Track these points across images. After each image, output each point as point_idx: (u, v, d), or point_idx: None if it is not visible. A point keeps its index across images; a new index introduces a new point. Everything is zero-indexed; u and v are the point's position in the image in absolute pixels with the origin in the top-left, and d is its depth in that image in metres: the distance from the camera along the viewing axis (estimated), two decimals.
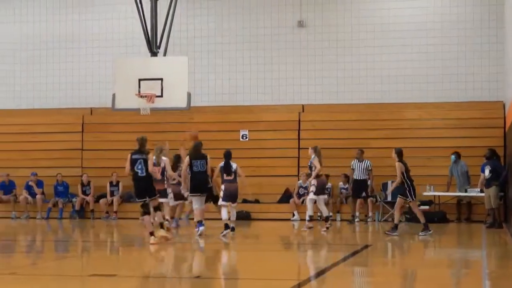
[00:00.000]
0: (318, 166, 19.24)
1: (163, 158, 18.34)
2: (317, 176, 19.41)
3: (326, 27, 25.28)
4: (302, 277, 11.86)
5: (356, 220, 22.74)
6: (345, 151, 24.01)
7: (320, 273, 11.67)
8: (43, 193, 25.13)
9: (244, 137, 25.09)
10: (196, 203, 17.52)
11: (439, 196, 23.02)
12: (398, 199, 18.78)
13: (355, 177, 22.91)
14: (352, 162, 22.92)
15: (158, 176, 17.83)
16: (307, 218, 19.71)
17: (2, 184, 25.36)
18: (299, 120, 25.06)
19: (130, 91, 20.31)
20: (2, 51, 26.90)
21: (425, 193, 22.71)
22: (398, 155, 18.73)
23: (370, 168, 22.66)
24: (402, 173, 18.42)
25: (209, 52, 25.71)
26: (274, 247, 17.09)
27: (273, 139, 24.40)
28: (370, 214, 23.21)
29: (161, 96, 20.33)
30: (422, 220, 18.54)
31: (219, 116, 25.34)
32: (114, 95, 20.87)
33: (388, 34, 24.87)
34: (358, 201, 22.90)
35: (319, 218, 22.66)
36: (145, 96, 20.27)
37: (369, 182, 22.93)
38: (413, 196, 18.50)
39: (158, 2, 21.48)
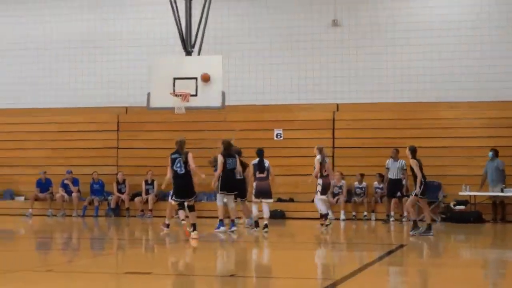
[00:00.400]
0: (316, 167, 19.25)
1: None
2: (322, 176, 19.32)
3: (360, 26, 25.20)
4: (336, 276, 11.79)
5: (391, 219, 22.60)
6: (380, 150, 23.91)
7: (354, 273, 11.60)
8: (79, 191, 25.32)
9: (279, 136, 25.06)
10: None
11: (474, 196, 22.81)
12: (411, 197, 18.57)
13: (390, 176, 22.76)
14: (387, 162, 22.77)
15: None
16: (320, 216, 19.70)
17: (39, 182, 25.56)
18: (334, 119, 24.98)
19: (165, 90, 20.35)
20: (41, 50, 27.11)
21: (460, 193, 22.54)
22: (412, 153, 18.67)
23: (405, 168, 22.51)
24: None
25: (243, 51, 25.72)
26: (309, 246, 17.02)
27: (307, 138, 24.30)
28: (405, 213, 23.04)
29: (196, 95, 20.34)
30: (428, 220, 18.32)
31: (254, 115, 25.34)
32: (149, 94, 20.93)
33: (423, 33, 24.71)
34: (393, 200, 22.76)
35: (353, 217, 22.69)
36: (180, 95, 20.28)
37: (404, 182, 22.77)
38: (424, 194, 18.22)
39: (192, 1, 21.50)
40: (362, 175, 24.08)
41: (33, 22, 27.19)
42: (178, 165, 16.34)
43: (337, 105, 25.24)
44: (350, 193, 24.15)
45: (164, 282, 10.95)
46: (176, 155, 16.54)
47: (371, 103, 24.89)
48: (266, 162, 18.59)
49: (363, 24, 25.17)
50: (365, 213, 23.73)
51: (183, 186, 16.36)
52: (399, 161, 22.61)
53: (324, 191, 19.41)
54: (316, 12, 25.45)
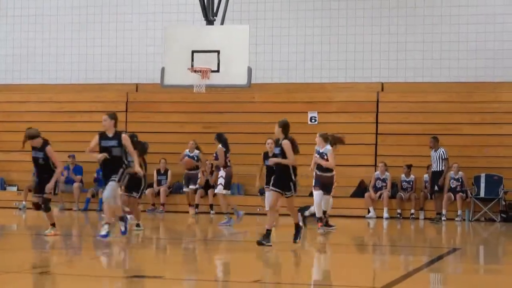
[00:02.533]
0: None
1: None
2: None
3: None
4: (377, 284, 11.86)
5: (442, 219, 22.59)
6: (429, 137, 23.94)
7: (399, 280, 11.65)
8: (81, 181, 25.44)
9: (313, 120, 25.09)
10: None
11: None
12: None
13: (432, 169, 22.87)
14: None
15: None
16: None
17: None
18: (378, 101, 24.98)
19: (182, 65, 20.50)
20: (39, 16, 27.25)
21: None
22: None
23: (445, 157, 22.55)
24: None
25: (273, 20, 25.73)
26: (348, 249, 17.07)
27: (346, 122, 24.33)
28: (459, 212, 23.04)
29: (218, 71, 20.48)
30: None
31: (284, 95, 25.38)
32: (163, 69, 21.09)
33: (485, 9, 24.53)
34: (446, 196, 22.75)
35: (399, 215, 22.76)
36: (199, 71, 20.41)
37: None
38: None
39: None
40: (409, 167, 24.03)
41: None
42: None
43: (382, 84, 25.23)
44: (396, 187, 24.14)
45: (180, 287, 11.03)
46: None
47: (422, 83, 24.87)
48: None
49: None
50: (412, 211, 23.72)
51: None
52: (439, 149, 22.64)
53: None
54: None
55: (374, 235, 19.63)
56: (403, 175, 24.10)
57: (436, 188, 22.75)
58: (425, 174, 23.91)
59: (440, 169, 22.69)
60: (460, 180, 23.44)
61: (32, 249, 15.60)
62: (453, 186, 23.41)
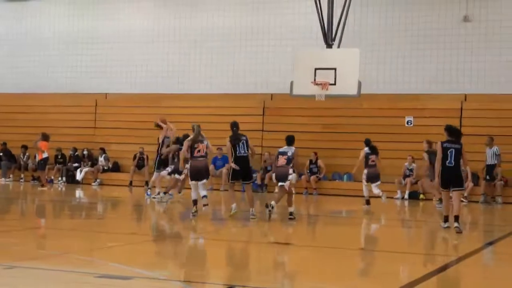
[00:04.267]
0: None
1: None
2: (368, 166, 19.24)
3: (490, 22, 24.56)
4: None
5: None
6: (504, 138, 23.46)
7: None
8: None
9: (409, 123, 24.83)
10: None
11: None
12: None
13: (486, 162, 22.66)
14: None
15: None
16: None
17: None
18: (461, 109, 24.51)
19: (306, 79, 20.55)
20: (199, 42, 27.74)
21: None
22: None
23: (498, 153, 22.15)
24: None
25: (379, 44, 25.55)
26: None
27: (436, 125, 23.89)
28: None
29: (334, 84, 20.44)
30: None
31: (387, 103, 25.18)
32: (292, 83, 21.18)
33: None
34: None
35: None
36: (320, 84, 20.44)
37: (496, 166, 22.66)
38: None
39: None
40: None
41: (191, 17, 27.95)
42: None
43: (465, 95, 24.74)
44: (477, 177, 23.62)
45: (304, 253, 11.07)
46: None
47: (499, 94, 24.27)
48: (291, 150, 15.75)
49: (493, 20, 24.54)
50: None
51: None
52: (493, 147, 22.29)
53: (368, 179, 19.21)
54: (448, 9, 25.00)
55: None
56: None
57: (488, 177, 22.51)
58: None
59: (493, 163, 22.51)
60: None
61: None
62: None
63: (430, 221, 16.71)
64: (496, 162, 22.33)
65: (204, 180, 15.53)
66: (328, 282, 8.65)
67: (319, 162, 24.99)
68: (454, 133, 14.21)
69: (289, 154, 15.57)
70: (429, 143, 20.08)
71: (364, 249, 11.66)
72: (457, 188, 13.89)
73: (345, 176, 25.03)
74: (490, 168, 22.51)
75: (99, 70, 28.99)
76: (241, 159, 15.24)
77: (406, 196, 23.49)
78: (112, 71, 28.79)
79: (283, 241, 12.48)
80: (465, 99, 24.69)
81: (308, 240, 12.88)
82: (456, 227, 13.67)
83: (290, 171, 15.41)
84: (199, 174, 15.37)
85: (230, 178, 15.46)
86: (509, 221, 18.57)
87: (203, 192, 15.41)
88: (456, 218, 13.71)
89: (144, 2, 28.64)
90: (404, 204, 22.32)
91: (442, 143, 14.12)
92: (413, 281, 8.63)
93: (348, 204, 21.29)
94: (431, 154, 18.40)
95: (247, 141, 15.40)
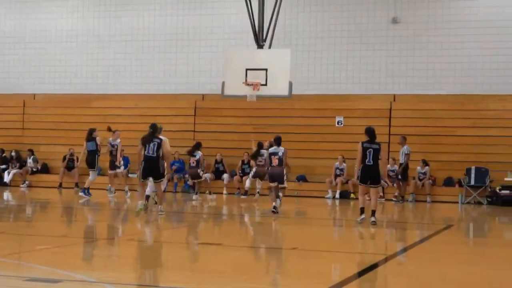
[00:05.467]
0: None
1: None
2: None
3: (417, 24, 25.02)
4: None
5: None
6: (432, 138, 23.92)
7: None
8: None
9: (339, 123, 25.09)
10: None
11: None
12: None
13: (400, 161, 23.03)
14: None
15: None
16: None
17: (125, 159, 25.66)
18: (391, 109, 24.89)
19: (238, 80, 20.54)
20: (128, 42, 27.53)
21: (506, 179, 22.39)
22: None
23: (407, 152, 22.58)
24: None
25: (310, 45, 25.77)
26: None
27: (366, 125, 23.98)
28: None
29: (266, 84, 20.48)
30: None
31: (317, 104, 25.40)
32: (223, 83, 21.15)
33: (476, 30, 24.41)
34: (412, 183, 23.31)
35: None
36: (251, 84, 20.47)
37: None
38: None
39: None
40: (424, 161, 23.69)
41: (121, 16, 27.70)
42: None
43: (394, 96, 25.13)
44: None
45: (236, 253, 11.06)
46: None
47: (425, 95, 24.74)
48: (281, 151, 17.11)
49: (420, 22, 25.00)
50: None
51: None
52: (404, 146, 22.76)
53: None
54: (378, 10, 25.36)
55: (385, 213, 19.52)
56: (418, 167, 23.73)
57: (399, 176, 22.77)
58: (418, 166, 23.64)
59: (403, 162, 22.76)
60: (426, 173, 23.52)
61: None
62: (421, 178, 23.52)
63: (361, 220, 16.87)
64: (405, 160, 22.63)
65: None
66: (259, 282, 8.66)
67: (252, 162, 25.02)
68: (371, 135, 15.22)
69: (280, 154, 16.96)
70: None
71: (297, 249, 11.71)
72: (374, 185, 15.09)
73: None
74: (401, 167, 22.84)
75: (27, 70, 28.49)
76: (149, 159, 15.93)
77: (337, 195, 23.72)
78: (41, 71, 28.32)
79: (215, 242, 12.46)
80: (394, 100, 25.07)
81: (240, 241, 12.88)
82: (372, 221, 14.72)
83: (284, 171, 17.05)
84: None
85: (140, 176, 16.21)
86: (435, 220, 18.92)
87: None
88: (373, 213, 14.82)
89: (73, 1, 28.24)
90: (335, 203, 22.54)
91: (362, 143, 15.12)
92: (344, 280, 8.71)
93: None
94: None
95: (159, 144, 15.99)
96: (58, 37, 28.22)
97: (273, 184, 17.12)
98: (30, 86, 28.42)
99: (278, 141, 17.12)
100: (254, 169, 22.51)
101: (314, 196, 23.68)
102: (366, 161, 14.94)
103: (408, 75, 25.03)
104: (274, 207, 16.83)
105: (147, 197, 16.64)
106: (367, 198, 15.50)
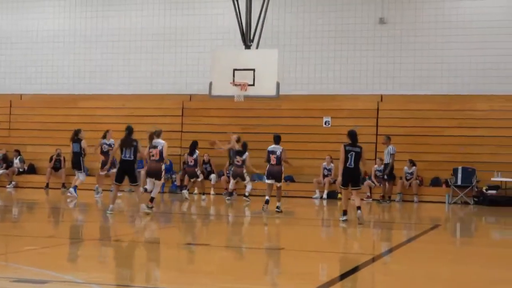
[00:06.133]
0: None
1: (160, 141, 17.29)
2: None
3: (404, 24, 25.09)
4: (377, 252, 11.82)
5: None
6: (419, 138, 24.03)
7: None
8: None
9: (327, 124, 25.13)
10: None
11: (505, 182, 22.68)
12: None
13: (384, 161, 22.96)
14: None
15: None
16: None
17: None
18: (378, 109, 24.96)
19: (225, 80, 20.56)
20: (117, 42, 27.46)
21: (493, 179, 22.48)
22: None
23: (392, 152, 22.50)
24: None
25: (297, 45, 25.80)
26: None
27: (353, 125, 24.04)
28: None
29: (253, 85, 20.51)
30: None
31: (305, 104, 25.42)
32: (211, 83, 21.16)
33: (463, 31, 24.51)
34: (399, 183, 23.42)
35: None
36: (239, 85, 20.49)
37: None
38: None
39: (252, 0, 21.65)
40: (411, 161, 23.74)
41: (108, 16, 27.64)
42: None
43: (381, 96, 25.20)
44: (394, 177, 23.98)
45: (223, 254, 11.08)
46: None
47: (413, 95, 24.82)
48: (279, 149, 17.61)
49: (407, 22, 25.07)
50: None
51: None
52: (389, 146, 22.64)
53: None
54: (365, 10, 25.42)
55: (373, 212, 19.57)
56: (405, 167, 23.81)
57: (385, 176, 22.76)
58: (405, 166, 23.71)
59: (388, 162, 22.67)
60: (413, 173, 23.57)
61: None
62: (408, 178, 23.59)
63: (349, 220, 16.91)
64: (390, 160, 22.68)
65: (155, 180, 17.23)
66: (246, 282, 8.67)
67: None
68: (353, 138, 15.37)
69: (278, 153, 17.41)
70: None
71: (285, 249, 11.74)
72: (355, 188, 15.36)
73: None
74: (386, 167, 22.77)
75: (13, 70, 28.40)
76: (125, 163, 16.14)
77: (325, 195, 23.75)
78: (28, 71, 28.24)
79: (201, 242, 12.47)
80: (381, 100, 25.14)
81: (226, 241, 12.89)
82: (358, 214, 15.08)
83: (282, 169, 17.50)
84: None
85: (115, 179, 16.47)
86: (416, 220, 18.98)
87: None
88: (359, 208, 15.14)
89: (60, 1, 28.16)
90: (322, 203, 22.57)
91: (345, 145, 15.26)
92: (330, 280, 8.73)
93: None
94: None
95: (136, 147, 16.23)
96: (45, 37, 28.14)
97: (270, 181, 17.61)
98: (17, 86, 28.33)
99: (277, 140, 17.60)
100: (231, 169, 22.57)
101: (301, 196, 23.71)
102: (348, 163, 15.14)
103: (395, 75, 25.10)
104: (266, 201, 17.36)
105: (152, 199, 16.66)
106: (351, 200, 15.63)
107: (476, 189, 23.11)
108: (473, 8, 24.62)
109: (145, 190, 19.92)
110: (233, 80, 20.49)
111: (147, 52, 27.17)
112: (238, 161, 21.34)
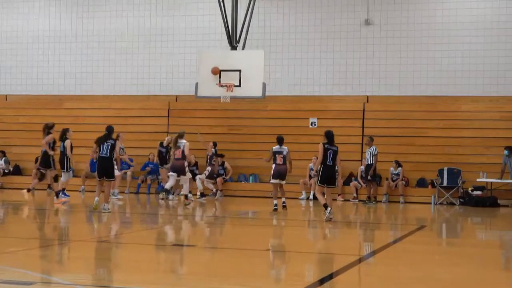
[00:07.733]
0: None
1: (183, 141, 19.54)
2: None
3: (390, 25, 25.19)
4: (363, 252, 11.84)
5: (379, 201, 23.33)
6: (405, 139, 24.14)
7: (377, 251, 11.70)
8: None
9: (313, 125, 25.18)
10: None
11: (491, 182, 22.81)
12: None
13: (366, 162, 22.99)
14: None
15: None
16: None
17: (92, 161, 25.52)
18: (364, 110, 25.04)
19: (211, 81, 20.58)
20: (102, 42, 27.42)
21: (478, 180, 22.60)
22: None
23: (375, 153, 22.38)
24: None
25: (283, 46, 25.84)
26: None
27: (339, 126, 24.37)
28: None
29: (239, 86, 20.55)
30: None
31: (291, 105, 25.48)
32: (197, 84, 21.18)
33: (448, 32, 24.67)
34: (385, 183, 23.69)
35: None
36: (225, 86, 20.50)
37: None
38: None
39: (238, 0, 21.66)
40: (397, 162, 23.79)
41: (94, 17, 27.59)
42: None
43: (367, 97, 25.28)
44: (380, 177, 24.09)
45: (209, 254, 11.07)
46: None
47: (398, 96, 24.92)
48: (285, 150, 18.50)
49: (393, 24, 25.17)
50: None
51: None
52: (371, 147, 22.56)
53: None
54: (350, 11, 25.48)
55: (362, 214, 19.64)
56: (391, 168, 23.89)
57: (369, 177, 22.74)
58: (391, 167, 23.80)
59: (371, 162, 22.66)
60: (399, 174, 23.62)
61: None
62: (394, 179, 23.66)
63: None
64: (373, 161, 22.72)
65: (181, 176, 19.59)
66: (232, 283, 8.68)
67: (226, 163, 25.02)
68: (330, 138, 15.96)
69: (284, 153, 18.27)
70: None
71: (270, 250, 11.75)
72: (331, 186, 15.97)
73: (250, 177, 25.16)
74: (368, 168, 22.74)
75: None
76: (102, 159, 16.93)
77: (311, 196, 23.79)
78: (13, 72, 28.14)
79: (189, 243, 12.46)
80: (367, 101, 25.22)
81: (213, 242, 12.89)
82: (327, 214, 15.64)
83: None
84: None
85: (97, 175, 17.11)
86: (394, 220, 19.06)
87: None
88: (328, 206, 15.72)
89: (43, 2, 28.07)
90: (309, 204, 22.61)
91: (324, 144, 15.82)
92: (316, 281, 8.75)
93: (254, 205, 21.41)
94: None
95: (112, 145, 16.92)
96: (30, 38, 28.05)
97: (275, 181, 18.36)
98: (2, 87, 28.23)
99: (280, 141, 18.35)
100: (208, 170, 22.79)
101: (288, 197, 23.68)
102: (327, 161, 15.73)
103: (381, 77, 25.20)
104: (275, 205, 18.20)
105: (186, 196, 19.13)
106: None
107: (461, 190, 23.23)
108: (458, 10, 24.76)
109: (162, 188, 21.20)
110: (219, 81, 20.51)
111: (133, 53, 27.14)
112: (214, 161, 22.13)
